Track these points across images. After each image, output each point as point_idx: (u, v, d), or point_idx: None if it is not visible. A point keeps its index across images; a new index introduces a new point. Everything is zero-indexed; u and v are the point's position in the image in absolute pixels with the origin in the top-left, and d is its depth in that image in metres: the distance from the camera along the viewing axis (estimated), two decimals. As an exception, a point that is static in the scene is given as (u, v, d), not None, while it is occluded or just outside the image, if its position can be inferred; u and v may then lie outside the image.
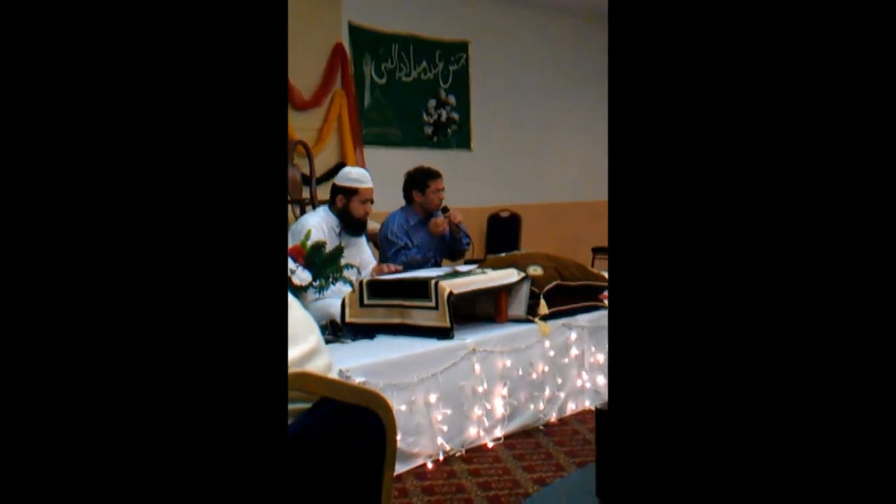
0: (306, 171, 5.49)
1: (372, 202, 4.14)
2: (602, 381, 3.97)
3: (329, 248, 3.57)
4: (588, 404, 3.94)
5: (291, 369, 1.36)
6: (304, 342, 1.42)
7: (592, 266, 5.95)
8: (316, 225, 3.92)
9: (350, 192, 4.05)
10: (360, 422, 1.42)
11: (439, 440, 3.25)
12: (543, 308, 3.79)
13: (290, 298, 1.46)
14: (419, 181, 4.55)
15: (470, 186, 6.62)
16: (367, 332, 3.45)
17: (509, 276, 3.76)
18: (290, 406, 1.37)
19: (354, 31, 6.24)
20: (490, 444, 3.45)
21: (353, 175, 4.14)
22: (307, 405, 1.38)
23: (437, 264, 4.56)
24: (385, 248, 4.52)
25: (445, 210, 4.57)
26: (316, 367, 1.42)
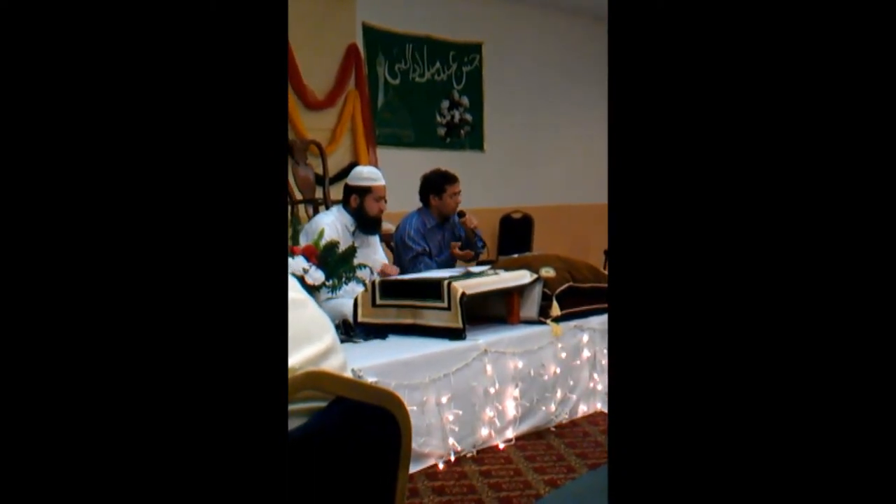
0: (319, 170, 5.51)
1: (385, 200, 4.15)
2: (614, 383, 3.96)
3: (343, 246, 3.58)
4: (599, 406, 3.94)
5: (306, 368, 1.37)
6: (319, 341, 1.42)
7: (604, 268, 5.94)
8: (330, 224, 3.93)
9: (363, 191, 4.07)
10: (375, 421, 1.42)
11: (450, 441, 3.25)
12: (555, 310, 3.79)
13: (306, 297, 1.47)
14: (436, 185, 4.56)
15: (482, 188, 6.62)
16: (379, 332, 3.46)
17: (521, 277, 3.76)
18: (305, 405, 1.37)
19: (368, 31, 6.25)
20: (501, 446, 3.45)
21: (364, 174, 4.15)
22: (322, 404, 1.39)
23: (451, 265, 4.57)
24: (402, 252, 4.53)
25: (462, 214, 4.58)
26: (331, 365, 1.42)
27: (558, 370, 3.73)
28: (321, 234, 3.62)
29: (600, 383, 3.96)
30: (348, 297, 3.66)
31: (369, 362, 3.01)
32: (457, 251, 4.52)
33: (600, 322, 3.97)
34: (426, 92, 6.70)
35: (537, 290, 3.78)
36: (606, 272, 4.38)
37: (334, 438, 1.39)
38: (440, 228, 4.59)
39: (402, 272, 4.38)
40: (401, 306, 3.51)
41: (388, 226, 4.77)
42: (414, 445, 3.05)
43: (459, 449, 3.29)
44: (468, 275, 3.71)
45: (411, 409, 3.02)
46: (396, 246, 4.63)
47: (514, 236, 7.05)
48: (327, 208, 4.90)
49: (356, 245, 3.73)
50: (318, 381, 1.38)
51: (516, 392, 3.53)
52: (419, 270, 4.38)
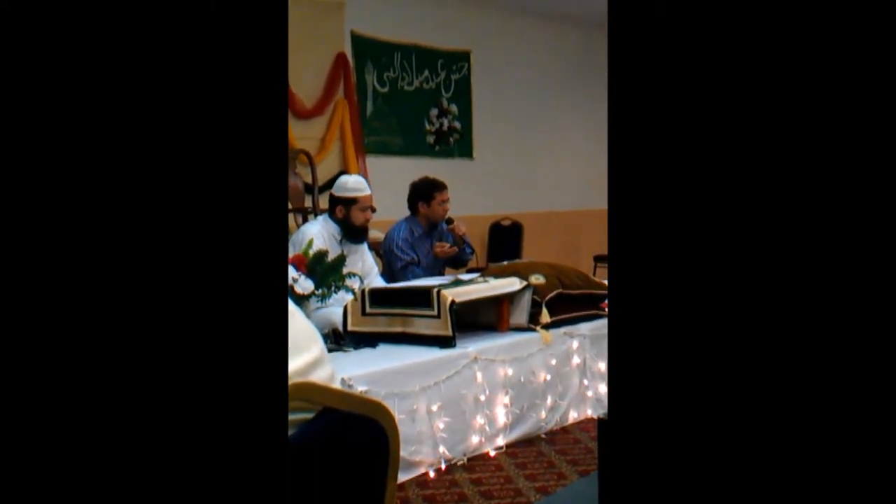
0: (308, 179, 5.51)
1: (373, 209, 4.14)
2: (604, 389, 3.96)
3: (330, 255, 3.57)
4: (590, 413, 3.94)
5: (294, 379, 1.37)
6: (307, 352, 1.42)
7: (594, 274, 5.95)
8: (317, 233, 3.92)
9: (349, 202, 4.05)
10: (362, 431, 1.42)
11: (441, 448, 3.25)
12: (545, 317, 3.79)
13: (293, 308, 1.47)
14: (425, 192, 4.55)
15: (472, 195, 6.62)
16: (369, 340, 3.46)
17: (511, 284, 3.76)
18: (293, 416, 1.37)
19: (357, 40, 6.26)
20: (492, 453, 3.45)
21: (350, 184, 4.13)
22: (310, 415, 1.39)
23: (440, 273, 4.57)
24: (392, 261, 4.52)
25: (450, 222, 4.58)
26: (318, 377, 1.42)
27: (548, 377, 3.73)
28: (310, 244, 3.61)
29: (590, 390, 3.96)
30: (338, 305, 3.65)
31: (359, 371, 3.01)
32: (438, 249, 4.50)
33: (590, 328, 3.97)
34: (415, 100, 6.70)
35: (527, 298, 3.78)
36: (596, 279, 4.39)
37: (322, 449, 1.39)
38: (428, 236, 4.59)
39: (392, 282, 4.37)
40: (390, 315, 3.51)
41: (376, 234, 4.76)
42: (404, 454, 3.04)
43: (450, 457, 3.28)
44: (458, 282, 3.71)
45: (401, 417, 3.02)
46: (385, 254, 4.63)
47: (504, 243, 7.06)
48: (316, 217, 4.90)
49: (345, 253, 3.72)
50: (305, 392, 1.37)
51: (506, 399, 3.52)
52: (409, 280, 4.37)
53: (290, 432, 1.36)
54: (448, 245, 4.54)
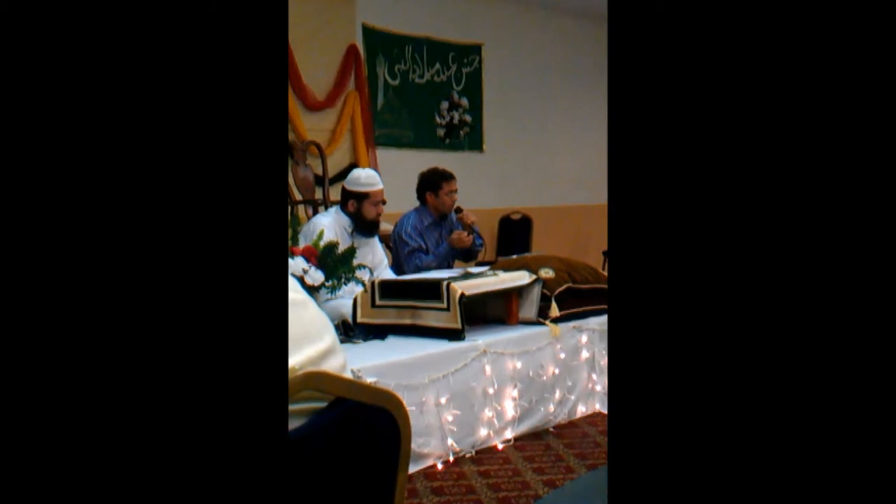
0: (319, 171, 5.51)
1: (384, 202, 4.15)
2: (612, 384, 3.96)
3: (341, 247, 3.59)
4: (598, 407, 3.95)
5: (307, 368, 1.37)
6: (319, 341, 1.42)
7: (603, 269, 5.95)
8: (328, 225, 3.93)
9: (361, 196, 4.06)
10: (374, 422, 1.43)
11: (449, 441, 3.26)
12: (554, 310, 3.80)
13: (306, 297, 1.47)
14: (433, 182, 4.57)
15: (482, 188, 6.63)
16: (378, 332, 3.47)
17: (520, 278, 3.76)
18: (305, 405, 1.37)
19: (368, 32, 6.26)
20: (500, 446, 3.45)
21: (362, 179, 4.14)
22: (322, 404, 1.39)
23: (450, 266, 4.57)
24: (399, 247, 4.54)
25: (459, 211, 4.59)
26: (331, 366, 1.42)
27: (557, 371, 3.73)
28: (321, 235, 3.62)
29: (599, 384, 3.96)
30: (347, 297, 3.66)
31: (368, 363, 3.02)
32: (455, 236, 4.50)
33: (599, 323, 3.97)
34: (426, 93, 6.70)
35: (536, 291, 3.78)
36: (605, 273, 4.39)
37: (334, 439, 1.39)
38: (437, 226, 4.61)
39: (399, 267, 4.39)
40: (400, 307, 3.52)
41: (386, 226, 4.77)
42: (413, 445, 3.04)
43: (458, 449, 3.29)
44: (467, 275, 3.72)
45: (410, 409, 3.02)
46: (394, 241, 4.64)
47: (513, 237, 7.06)
48: (326, 209, 4.91)
49: (355, 245, 3.73)
50: (318, 381, 1.38)
51: (515, 393, 3.53)
52: (415, 265, 4.39)
53: (302, 421, 1.37)
54: (465, 234, 4.54)
